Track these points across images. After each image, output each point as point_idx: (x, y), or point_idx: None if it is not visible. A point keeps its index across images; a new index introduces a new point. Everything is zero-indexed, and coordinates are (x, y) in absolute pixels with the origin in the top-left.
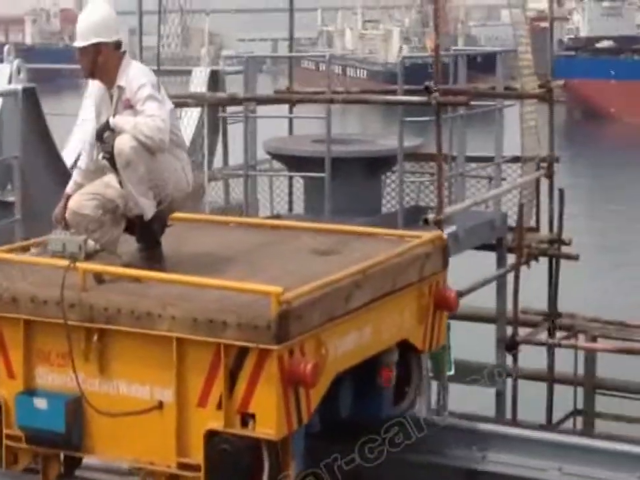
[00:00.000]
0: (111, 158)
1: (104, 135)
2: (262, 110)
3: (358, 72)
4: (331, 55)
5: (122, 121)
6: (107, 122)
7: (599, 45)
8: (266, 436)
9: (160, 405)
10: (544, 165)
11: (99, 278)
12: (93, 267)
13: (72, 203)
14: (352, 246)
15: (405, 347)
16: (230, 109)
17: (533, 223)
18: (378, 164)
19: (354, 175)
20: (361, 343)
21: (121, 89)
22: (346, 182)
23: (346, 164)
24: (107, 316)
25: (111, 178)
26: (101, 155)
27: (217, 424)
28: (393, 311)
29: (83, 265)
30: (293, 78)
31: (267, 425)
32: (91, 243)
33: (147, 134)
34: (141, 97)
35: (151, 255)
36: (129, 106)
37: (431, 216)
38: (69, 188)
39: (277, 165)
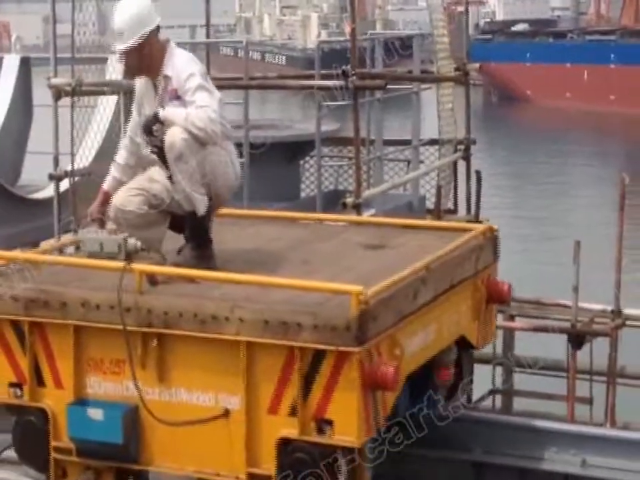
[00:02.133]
0: (160, 151)
1: (152, 127)
2: None
3: (277, 58)
4: (248, 41)
5: (172, 112)
6: (155, 114)
7: (514, 28)
8: (346, 443)
9: (226, 413)
10: (461, 147)
11: (152, 280)
12: (151, 268)
13: (116, 200)
14: (399, 239)
15: (458, 343)
16: None
17: (450, 205)
18: (296, 149)
19: (272, 160)
20: (426, 342)
21: (167, 78)
22: (264, 167)
23: (264, 149)
24: (167, 320)
25: (155, 172)
26: (149, 149)
27: (290, 431)
28: (452, 307)
29: (139, 266)
30: (212, 65)
31: (347, 432)
32: (131, 241)
33: (199, 125)
34: (190, 86)
35: (204, 254)
36: (176, 96)
37: (349, 199)
38: (107, 184)
39: None
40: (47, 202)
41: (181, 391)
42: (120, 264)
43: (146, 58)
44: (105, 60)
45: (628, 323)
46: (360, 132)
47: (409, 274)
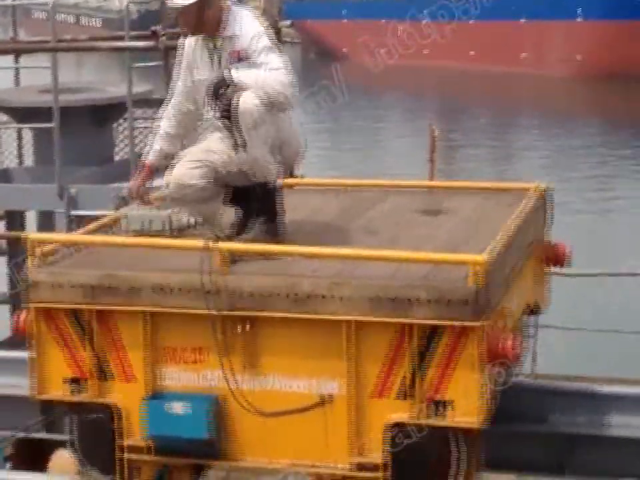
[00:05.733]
0: (227, 117)
1: (219, 91)
2: None
3: (92, 21)
4: (56, 3)
5: (246, 75)
6: (224, 77)
7: None
8: (467, 424)
9: (325, 399)
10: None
11: (232, 258)
12: (236, 246)
13: (177, 173)
14: (451, 203)
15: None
16: None
17: None
18: (107, 112)
19: (83, 124)
20: (514, 311)
21: (229, 39)
22: (75, 131)
23: (74, 113)
24: (254, 301)
25: (212, 142)
26: (212, 114)
27: (401, 415)
28: (525, 273)
29: (224, 245)
30: (24, 29)
31: (469, 413)
32: (181, 217)
33: (277, 89)
34: (258, 47)
35: (276, 228)
36: (239, 58)
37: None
38: (151, 157)
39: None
40: None
41: (273, 378)
42: (201, 243)
43: (206, 16)
44: None
45: None
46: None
47: (507, 240)
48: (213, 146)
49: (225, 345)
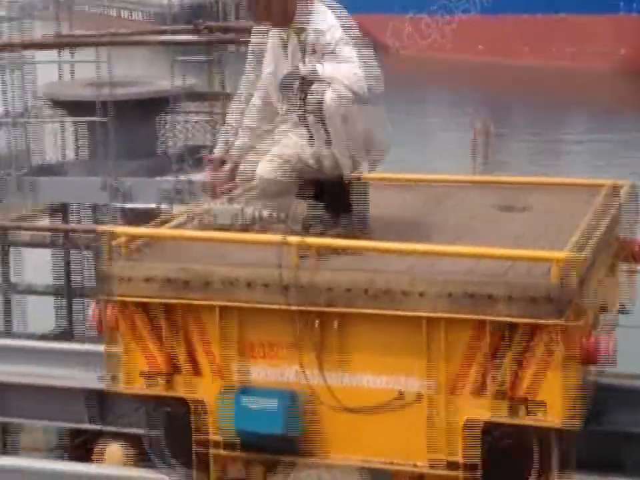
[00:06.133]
0: (304, 111)
1: (295, 84)
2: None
3: (134, 14)
4: None
5: (325, 68)
6: (298, 70)
7: None
8: (558, 425)
9: (405, 396)
10: None
11: (311, 253)
12: (315, 241)
13: (261, 169)
14: (525, 199)
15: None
16: None
17: None
18: (152, 105)
19: (130, 117)
20: (597, 309)
21: (303, 31)
22: (122, 125)
23: (121, 106)
24: (332, 297)
25: (288, 136)
26: (291, 108)
27: (482, 413)
28: (609, 270)
29: (297, 240)
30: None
31: (561, 414)
32: (265, 212)
33: (357, 83)
34: (333, 40)
35: (351, 221)
36: (314, 50)
37: (203, 155)
38: (235, 151)
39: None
40: None
41: (353, 374)
42: (279, 237)
43: (286, 6)
44: None
45: None
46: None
47: (589, 236)
48: (289, 140)
49: (304, 341)
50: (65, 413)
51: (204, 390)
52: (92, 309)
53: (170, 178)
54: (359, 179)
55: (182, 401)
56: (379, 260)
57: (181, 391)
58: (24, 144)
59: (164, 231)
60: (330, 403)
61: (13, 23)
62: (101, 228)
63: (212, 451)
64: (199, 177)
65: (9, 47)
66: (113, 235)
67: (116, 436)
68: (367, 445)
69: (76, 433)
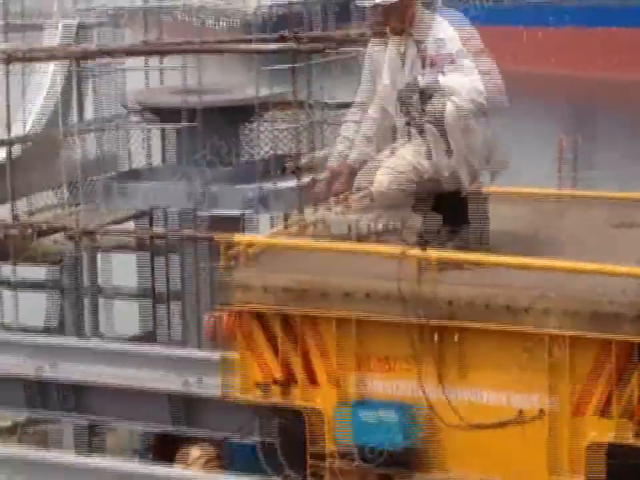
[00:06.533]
0: (422, 122)
1: (413, 96)
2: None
3: (218, 23)
4: (186, 5)
5: (447, 80)
6: (416, 81)
7: None
8: None
9: (525, 414)
10: None
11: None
12: (434, 255)
13: (377, 180)
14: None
15: None
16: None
17: None
18: (236, 114)
19: (216, 124)
20: None
21: (422, 42)
22: (208, 132)
23: (208, 113)
24: (452, 311)
25: (406, 148)
26: (408, 119)
27: (606, 435)
28: None
29: (418, 252)
30: (149, 31)
31: None
32: (378, 224)
33: (481, 96)
34: (453, 50)
35: (467, 236)
36: (432, 62)
37: (289, 164)
38: (352, 160)
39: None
40: None
41: (470, 390)
42: (399, 250)
43: (404, 17)
44: (40, 27)
45: None
46: (304, 96)
47: None
48: (407, 152)
49: (423, 355)
50: (149, 415)
51: (320, 401)
52: (207, 316)
53: (255, 186)
54: (478, 191)
55: (296, 411)
56: (499, 275)
57: (296, 401)
58: (112, 149)
59: (284, 240)
60: (448, 418)
61: (103, 30)
62: (219, 236)
63: (327, 462)
64: (284, 185)
65: (99, 53)
66: (231, 244)
67: (198, 440)
68: (485, 462)
69: (160, 435)
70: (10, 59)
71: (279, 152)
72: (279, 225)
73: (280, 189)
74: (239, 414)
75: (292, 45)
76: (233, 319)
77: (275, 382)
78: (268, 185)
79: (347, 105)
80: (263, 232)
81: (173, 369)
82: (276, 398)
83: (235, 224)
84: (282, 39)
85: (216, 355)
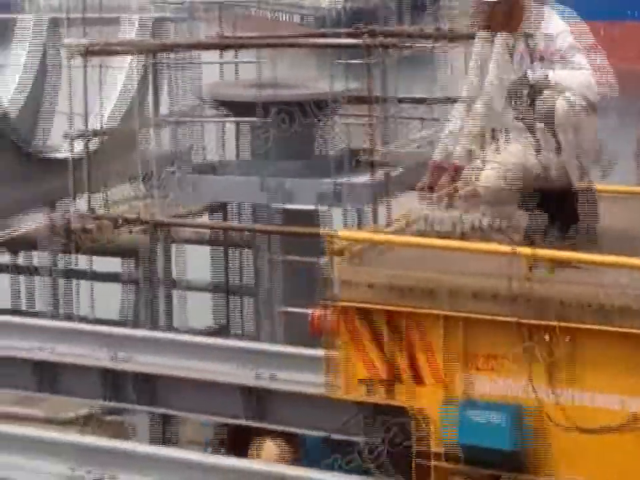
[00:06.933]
0: (531, 118)
1: (522, 91)
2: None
3: (289, 17)
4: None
5: (560, 76)
6: (526, 77)
7: None
8: None
9: (638, 419)
10: None
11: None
12: (547, 253)
13: (484, 176)
14: None
15: None
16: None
17: None
18: (311, 108)
19: (290, 118)
20: None
21: (531, 37)
22: (282, 126)
23: (282, 108)
24: (563, 311)
25: (514, 145)
26: (517, 115)
27: None
28: None
29: (529, 251)
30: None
31: None
32: (483, 221)
33: (594, 90)
34: (564, 46)
35: (575, 234)
36: (541, 57)
37: (363, 158)
38: (457, 156)
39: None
40: (63, 162)
41: (581, 392)
42: (508, 248)
43: (513, 12)
44: (117, 20)
45: None
46: (379, 90)
47: None
48: (514, 148)
49: (532, 355)
50: (222, 408)
51: (426, 400)
52: (312, 312)
53: (329, 180)
54: (589, 188)
55: (401, 410)
56: (611, 275)
57: (401, 400)
58: (187, 143)
59: (390, 236)
60: (558, 420)
61: (179, 24)
62: (325, 231)
63: (433, 462)
64: (358, 179)
65: (175, 47)
66: (336, 239)
67: (272, 433)
68: (594, 466)
69: (233, 428)
70: (87, 52)
71: (353, 146)
72: (385, 220)
73: (354, 184)
74: (312, 408)
75: (366, 39)
76: (336, 315)
77: (380, 380)
78: (342, 180)
79: (421, 101)
80: (336, 226)
81: (245, 362)
82: (381, 396)
83: (308, 218)
84: (356, 33)
85: (289, 349)
